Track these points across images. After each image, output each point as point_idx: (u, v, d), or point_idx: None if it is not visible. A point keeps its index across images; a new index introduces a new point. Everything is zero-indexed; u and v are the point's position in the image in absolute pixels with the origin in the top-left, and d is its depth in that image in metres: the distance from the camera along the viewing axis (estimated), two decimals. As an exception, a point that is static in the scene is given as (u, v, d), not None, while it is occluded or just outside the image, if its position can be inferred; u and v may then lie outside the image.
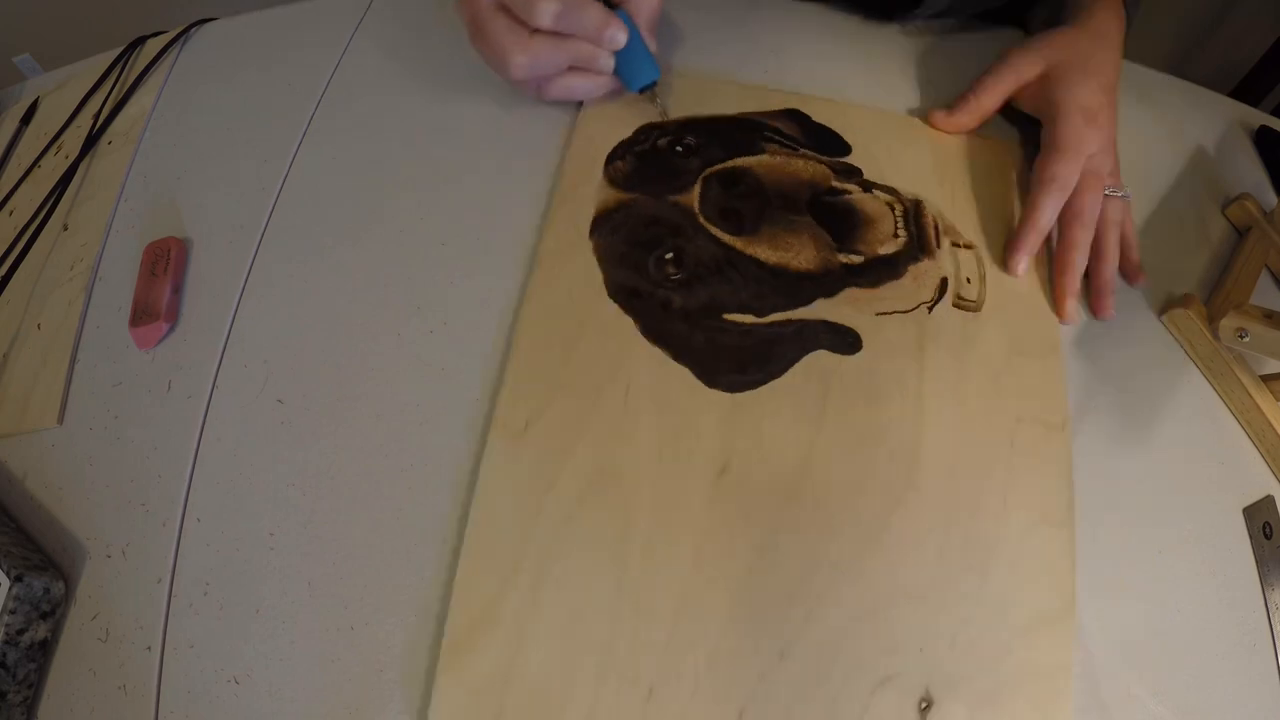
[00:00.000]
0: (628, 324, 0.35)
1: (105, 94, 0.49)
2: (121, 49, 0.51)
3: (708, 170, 0.39)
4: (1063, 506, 0.33)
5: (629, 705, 0.28)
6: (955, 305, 0.37)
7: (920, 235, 0.39)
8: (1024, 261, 0.38)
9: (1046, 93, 0.41)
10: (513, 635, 0.29)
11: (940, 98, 0.44)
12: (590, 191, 0.38)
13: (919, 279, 0.37)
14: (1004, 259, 0.39)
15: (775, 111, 0.42)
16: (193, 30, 0.51)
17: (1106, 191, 0.40)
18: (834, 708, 0.29)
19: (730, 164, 0.39)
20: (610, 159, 0.39)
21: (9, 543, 0.33)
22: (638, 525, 0.31)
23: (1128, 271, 0.41)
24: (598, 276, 0.36)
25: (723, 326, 0.35)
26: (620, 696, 0.29)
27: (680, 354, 0.34)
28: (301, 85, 0.45)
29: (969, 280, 0.38)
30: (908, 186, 0.40)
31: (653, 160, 0.39)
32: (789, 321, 0.35)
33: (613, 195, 0.38)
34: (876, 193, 0.40)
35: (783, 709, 0.29)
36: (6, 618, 0.30)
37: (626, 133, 0.40)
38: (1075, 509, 0.33)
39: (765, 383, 0.34)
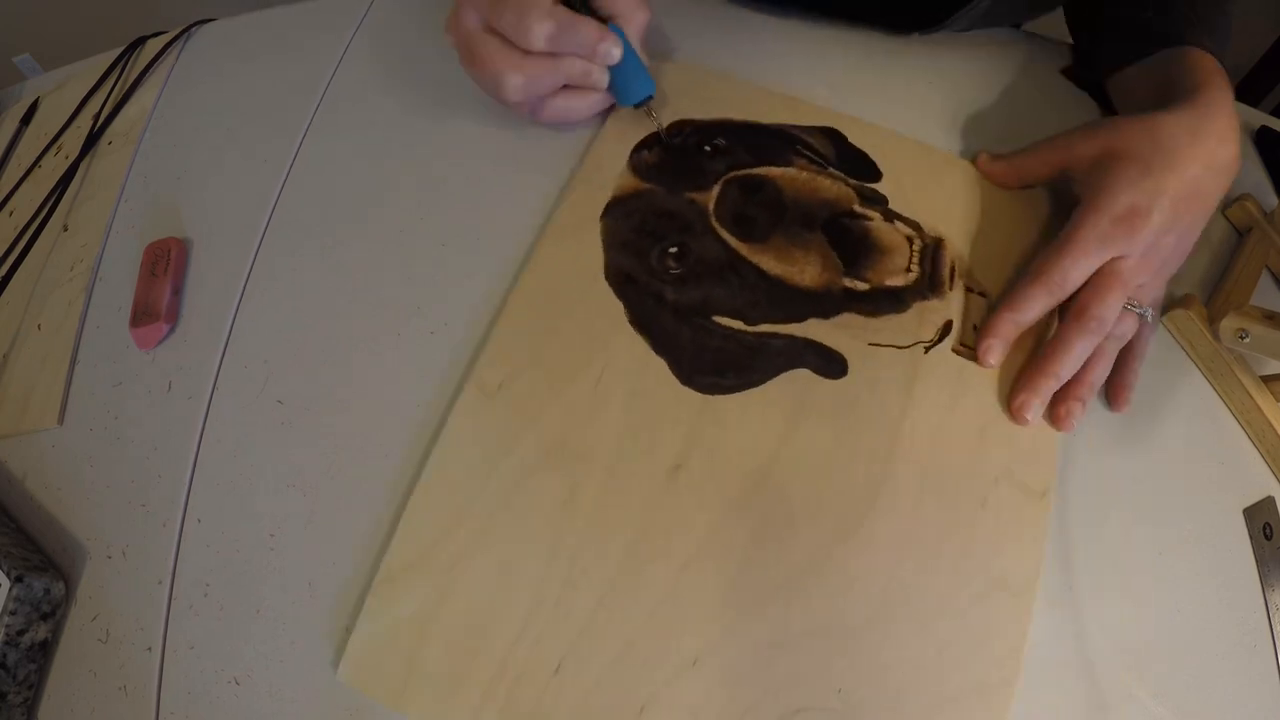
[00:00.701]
0: (617, 308, 0.35)
1: (105, 94, 0.49)
2: (121, 49, 0.51)
3: (731, 174, 0.39)
4: (1026, 576, 0.31)
5: (536, 675, 0.29)
6: (955, 351, 0.35)
7: (935, 273, 0.37)
8: (996, 349, 0.34)
9: (1091, 179, 0.36)
10: (442, 584, 0.30)
11: (981, 130, 0.43)
12: (611, 176, 0.39)
13: (923, 317, 0.36)
14: (975, 346, 0.35)
15: (812, 127, 0.41)
16: (193, 30, 0.51)
17: (1128, 306, 0.35)
18: None
19: (755, 171, 0.39)
20: (638, 148, 0.40)
21: (9, 543, 0.33)
22: (582, 506, 0.31)
23: (1112, 391, 0.36)
24: (599, 257, 0.36)
25: (710, 328, 0.35)
26: (529, 665, 0.29)
27: (661, 347, 0.34)
28: (301, 85, 0.45)
29: (976, 328, 0.35)
30: (932, 223, 0.38)
31: (679, 155, 0.40)
32: (777, 335, 0.35)
33: (631, 182, 0.38)
34: (898, 224, 0.38)
35: (686, 716, 0.28)
36: (7, 618, 0.30)
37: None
38: (1041, 579, 0.31)
39: (741, 390, 0.33)
